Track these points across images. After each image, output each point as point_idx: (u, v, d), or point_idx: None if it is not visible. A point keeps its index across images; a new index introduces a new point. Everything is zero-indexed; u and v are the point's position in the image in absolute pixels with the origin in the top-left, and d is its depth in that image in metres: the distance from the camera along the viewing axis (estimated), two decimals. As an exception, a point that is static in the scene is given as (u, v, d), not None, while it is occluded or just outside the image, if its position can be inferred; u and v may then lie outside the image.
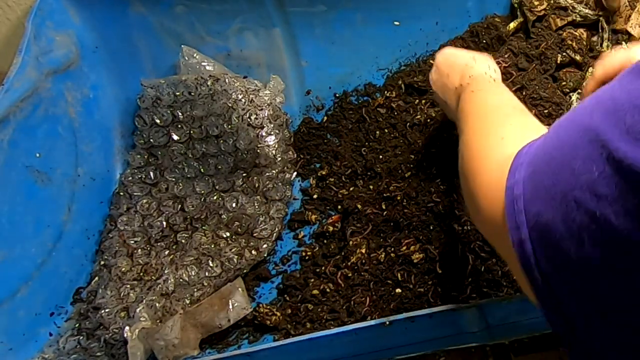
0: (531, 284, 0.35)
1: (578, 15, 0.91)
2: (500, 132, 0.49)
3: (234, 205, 0.98)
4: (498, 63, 0.80)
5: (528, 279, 0.35)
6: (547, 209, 0.33)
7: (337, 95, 1.09)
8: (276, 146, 1.01)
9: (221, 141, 1.02)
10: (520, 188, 0.36)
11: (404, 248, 0.82)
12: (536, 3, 0.92)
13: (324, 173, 1.00)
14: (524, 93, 0.86)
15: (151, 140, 1.05)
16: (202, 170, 1.03)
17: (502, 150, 0.44)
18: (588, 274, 0.32)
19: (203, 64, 1.06)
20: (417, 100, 0.99)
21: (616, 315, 0.32)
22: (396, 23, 1.04)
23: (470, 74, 0.68)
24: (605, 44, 0.90)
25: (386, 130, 0.98)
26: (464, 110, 0.62)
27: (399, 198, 0.86)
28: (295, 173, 1.03)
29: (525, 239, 0.35)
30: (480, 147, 0.50)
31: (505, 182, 0.38)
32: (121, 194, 1.03)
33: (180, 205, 1.00)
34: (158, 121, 1.04)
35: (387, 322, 0.67)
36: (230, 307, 0.85)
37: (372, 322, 0.68)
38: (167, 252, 0.95)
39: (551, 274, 0.34)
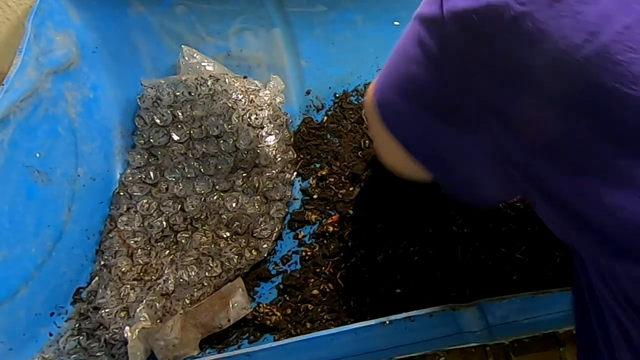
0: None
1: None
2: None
3: (234, 205, 0.98)
4: None
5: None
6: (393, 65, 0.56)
7: (337, 95, 1.09)
8: (276, 146, 1.01)
9: (221, 141, 1.03)
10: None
11: (404, 248, 0.82)
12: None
13: (324, 173, 1.00)
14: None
15: (151, 140, 1.05)
16: (202, 170, 1.03)
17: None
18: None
19: (203, 64, 1.06)
20: (417, 100, 0.99)
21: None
22: (396, 23, 1.04)
23: None
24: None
25: (386, 130, 0.98)
26: None
27: (399, 198, 0.86)
28: (295, 173, 1.03)
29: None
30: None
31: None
32: (121, 194, 1.03)
33: (180, 205, 1.00)
34: (158, 121, 1.05)
35: (387, 322, 0.67)
36: (230, 307, 0.85)
37: (372, 322, 0.68)
38: (167, 252, 0.95)
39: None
